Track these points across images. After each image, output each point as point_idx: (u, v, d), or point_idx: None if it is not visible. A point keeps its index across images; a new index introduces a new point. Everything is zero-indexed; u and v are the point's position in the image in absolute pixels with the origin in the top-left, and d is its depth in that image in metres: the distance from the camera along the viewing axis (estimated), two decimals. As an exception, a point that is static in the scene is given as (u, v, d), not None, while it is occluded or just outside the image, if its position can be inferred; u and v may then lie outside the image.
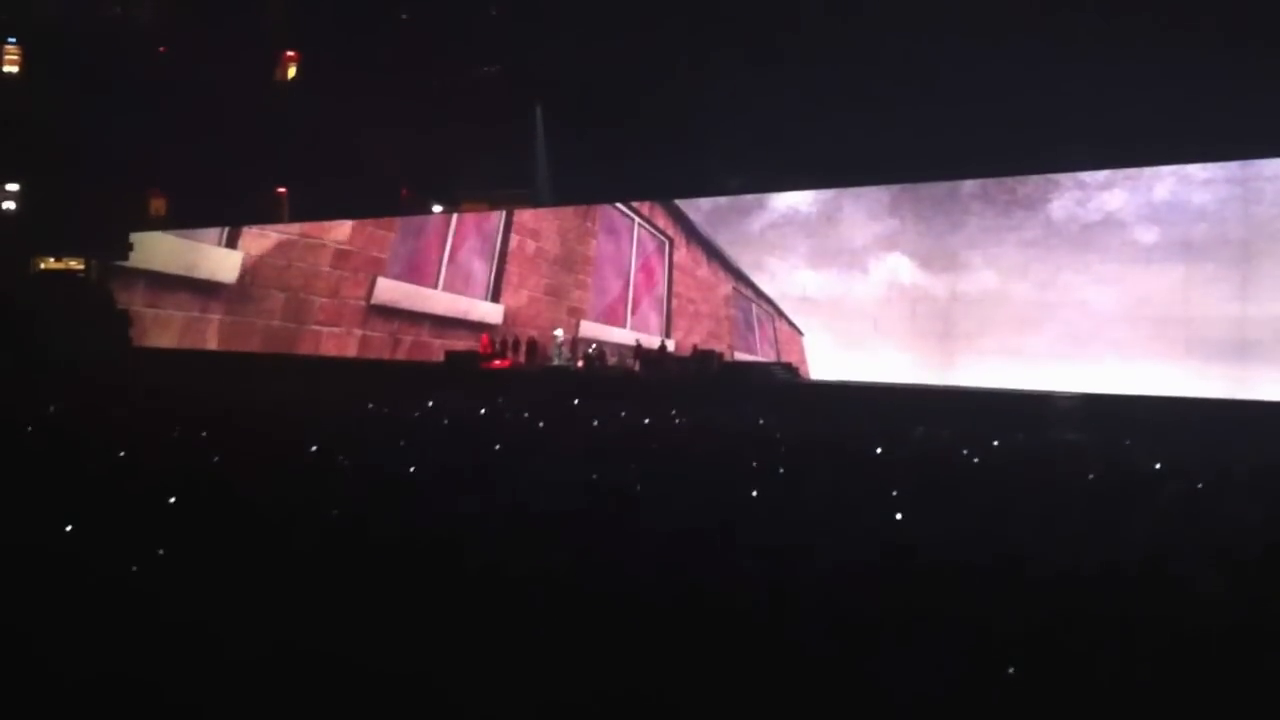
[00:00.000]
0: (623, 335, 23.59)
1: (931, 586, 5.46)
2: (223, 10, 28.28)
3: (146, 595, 5.38)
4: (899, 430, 13.62)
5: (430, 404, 16.51)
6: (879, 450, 11.29)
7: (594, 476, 8.76)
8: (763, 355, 21.95)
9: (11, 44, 32.49)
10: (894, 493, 8.25)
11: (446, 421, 14.30)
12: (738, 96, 21.74)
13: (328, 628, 4.81)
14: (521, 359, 23.97)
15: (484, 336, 25.14)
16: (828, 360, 21.18)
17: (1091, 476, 9.50)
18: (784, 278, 21.87)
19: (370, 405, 16.37)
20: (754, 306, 22.12)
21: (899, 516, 7.38)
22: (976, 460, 10.83)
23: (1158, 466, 10.18)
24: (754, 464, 9.93)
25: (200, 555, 5.98)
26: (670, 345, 23.07)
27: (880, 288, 20.69)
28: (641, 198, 23.54)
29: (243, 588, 5.35)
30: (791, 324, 21.72)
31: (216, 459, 9.61)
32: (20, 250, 32.31)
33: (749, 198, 22.64)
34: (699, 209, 23.15)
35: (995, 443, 12.24)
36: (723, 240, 22.62)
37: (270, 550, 6.11)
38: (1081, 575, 5.80)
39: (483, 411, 15.60)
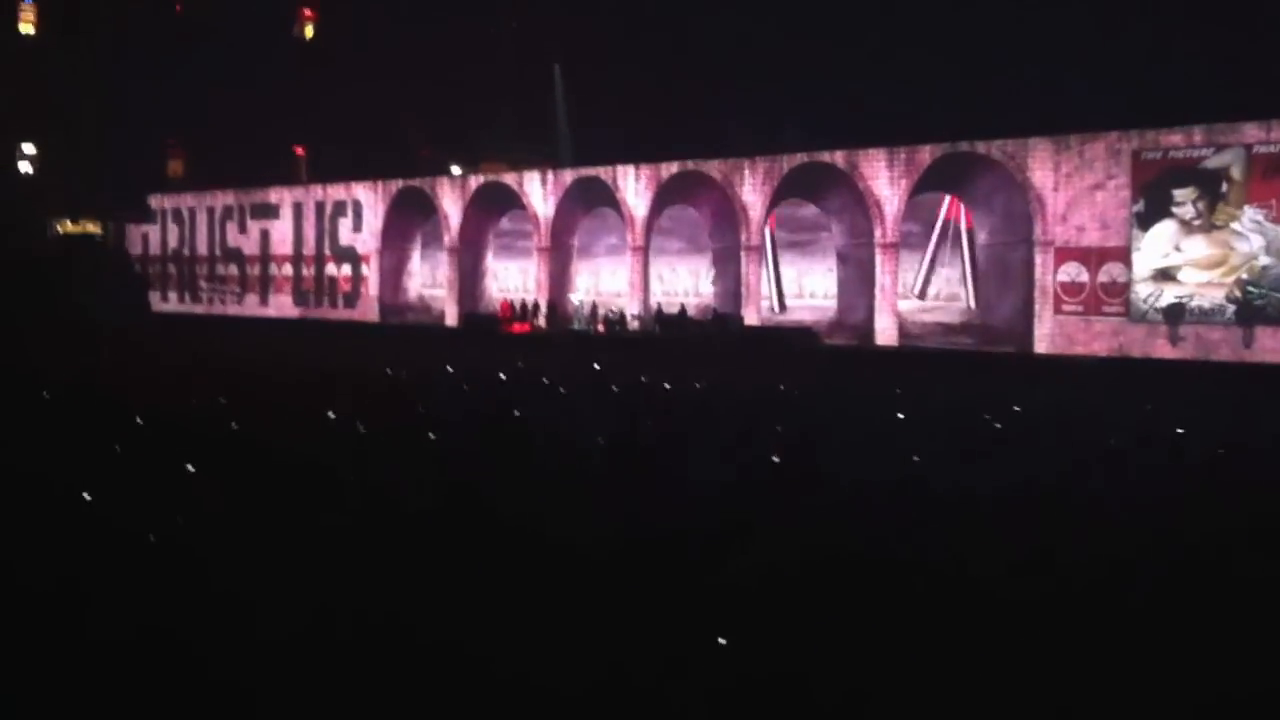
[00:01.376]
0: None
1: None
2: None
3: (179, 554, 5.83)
4: (920, 393, 13.96)
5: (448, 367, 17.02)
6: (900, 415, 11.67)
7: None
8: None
9: (27, 4, 33.38)
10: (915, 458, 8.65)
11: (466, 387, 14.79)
12: (763, 57, 22.23)
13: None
14: (542, 323, 24.64)
15: (503, 300, 25.78)
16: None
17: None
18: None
19: (389, 370, 16.80)
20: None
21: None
22: (999, 425, 11.10)
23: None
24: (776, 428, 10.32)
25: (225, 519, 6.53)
26: (690, 308, 23.55)
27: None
28: (663, 159, 23.89)
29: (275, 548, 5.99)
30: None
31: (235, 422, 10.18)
32: (39, 212, 33.25)
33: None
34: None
35: (1016, 408, 12.58)
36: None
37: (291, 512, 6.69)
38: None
39: (502, 376, 16.08)
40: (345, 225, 28.55)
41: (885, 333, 21.35)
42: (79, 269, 29.96)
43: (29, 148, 33.93)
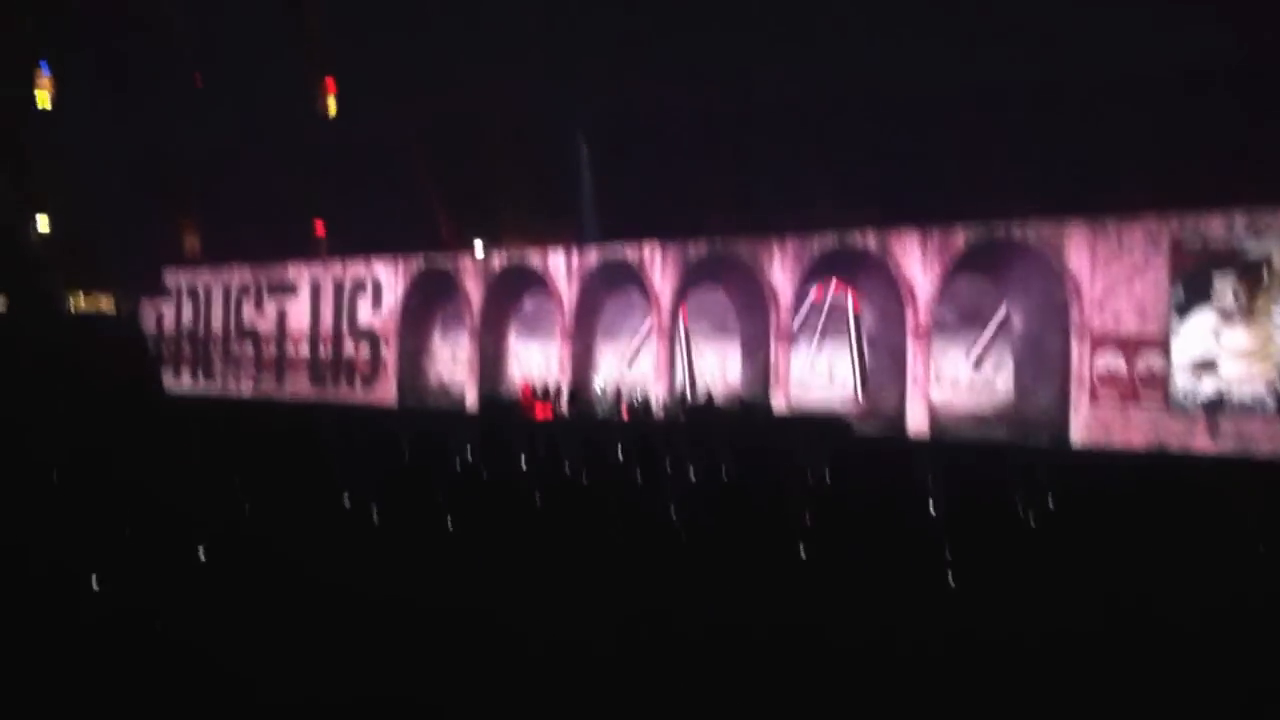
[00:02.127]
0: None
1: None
2: (261, 42, 29.37)
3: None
4: (954, 489, 13.88)
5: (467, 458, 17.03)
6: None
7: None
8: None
9: (45, 74, 33.89)
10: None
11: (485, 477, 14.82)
12: (787, 137, 22.40)
13: None
14: (564, 407, 24.68)
15: (525, 384, 25.85)
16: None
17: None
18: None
19: (406, 456, 16.86)
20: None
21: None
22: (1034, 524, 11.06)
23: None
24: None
25: (229, 610, 6.56)
26: (716, 395, 23.61)
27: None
28: (688, 236, 24.10)
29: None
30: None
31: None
32: (51, 286, 33.54)
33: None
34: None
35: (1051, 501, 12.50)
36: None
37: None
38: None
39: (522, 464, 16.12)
40: (364, 304, 28.82)
41: (916, 421, 21.37)
42: (90, 345, 30.17)
43: (42, 220, 34.27)
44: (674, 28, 23.16)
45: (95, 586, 6.50)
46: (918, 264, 21.22)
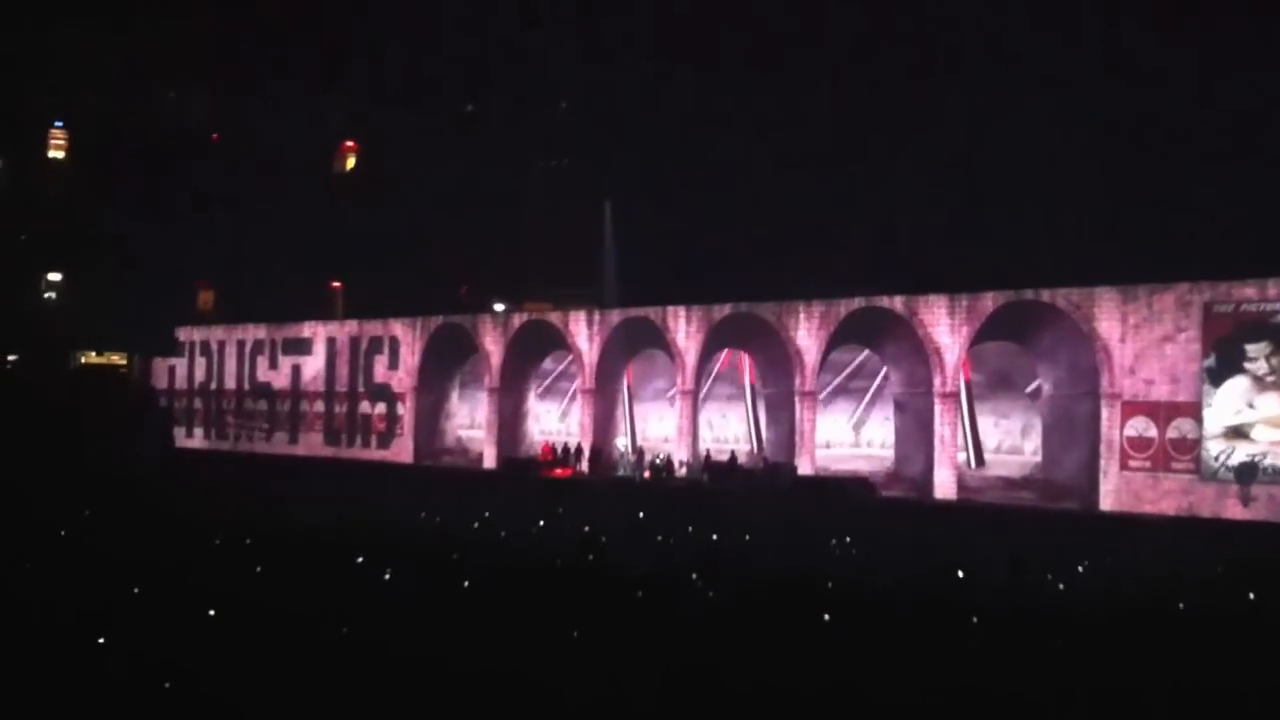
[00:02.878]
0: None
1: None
2: (279, 101, 29.89)
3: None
4: (985, 557, 13.77)
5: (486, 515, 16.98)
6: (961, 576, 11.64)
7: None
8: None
9: (58, 129, 34.38)
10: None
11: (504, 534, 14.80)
12: (817, 201, 22.83)
13: None
14: (584, 468, 24.76)
15: (544, 443, 25.99)
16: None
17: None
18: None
19: (422, 514, 16.74)
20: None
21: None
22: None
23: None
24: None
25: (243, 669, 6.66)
26: (740, 456, 23.70)
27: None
28: (713, 301, 24.37)
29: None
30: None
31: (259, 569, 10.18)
32: (62, 343, 33.74)
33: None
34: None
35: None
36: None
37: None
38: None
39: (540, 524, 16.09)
40: (381, 362, 29.01)
41: (944, 486, 21.47)
42: (99, 403, 30.27)
43: (54, 277, 34.56)
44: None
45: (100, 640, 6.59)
46: (945, 330, 21.49)
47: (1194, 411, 19.16)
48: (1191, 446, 19.17)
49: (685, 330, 24.18)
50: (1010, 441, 22.70)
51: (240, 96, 31.48)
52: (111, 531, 12.75)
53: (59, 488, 18.62)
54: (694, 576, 10.44)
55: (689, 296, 24.21)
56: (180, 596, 8.51)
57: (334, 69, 29.48)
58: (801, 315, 22.82)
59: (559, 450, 25.14)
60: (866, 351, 23.72)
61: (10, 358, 33.54)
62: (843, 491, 21.51)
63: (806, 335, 22.70)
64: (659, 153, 24.82)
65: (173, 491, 19.37)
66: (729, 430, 25.31)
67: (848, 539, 14.89)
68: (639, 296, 25.30)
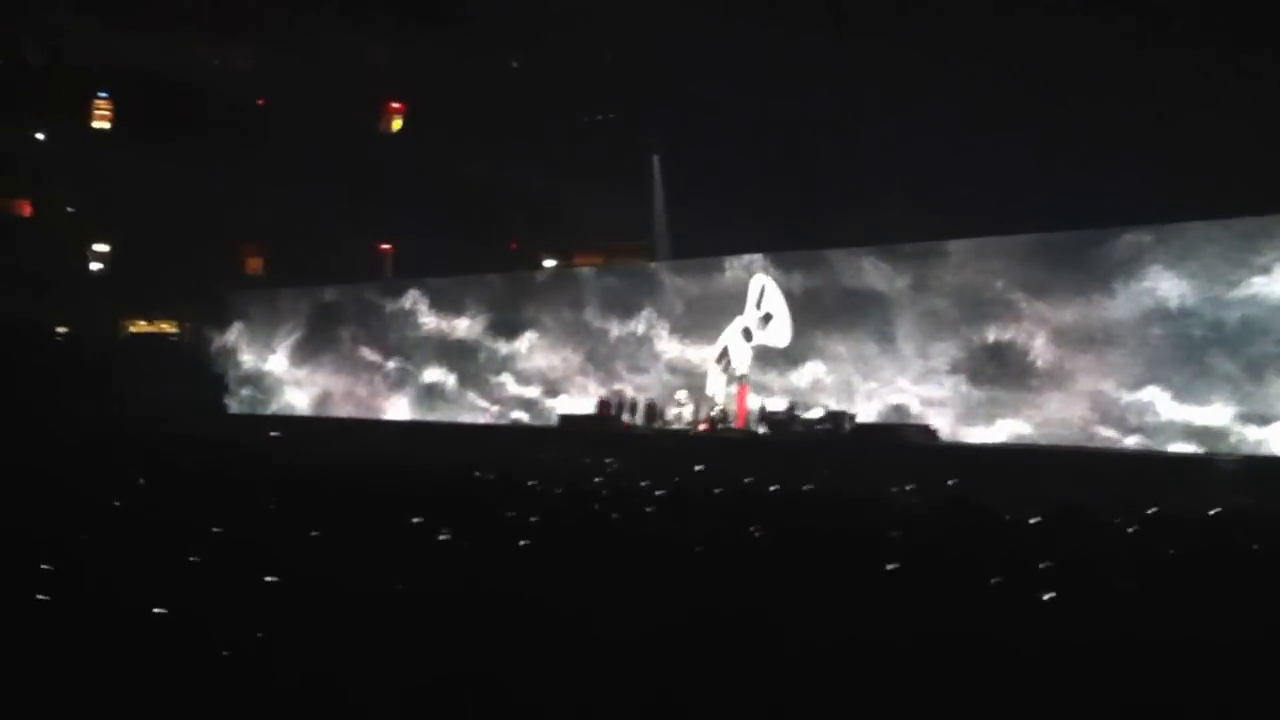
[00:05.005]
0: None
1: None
2: (324, 60, 29.82)
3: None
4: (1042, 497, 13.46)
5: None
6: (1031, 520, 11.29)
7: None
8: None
9: (103, 98, 34.54)
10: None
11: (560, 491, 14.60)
12: (864, 147, 22.47)
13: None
14: (639, 421, 24.57)
15: (599, 397, 25.84)
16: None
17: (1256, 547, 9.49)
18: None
19: (477, 473, 16.60)
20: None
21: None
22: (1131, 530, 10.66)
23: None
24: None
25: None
26: (800, 407, 23.34)
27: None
28: (763, 249, 24.30)
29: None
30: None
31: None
32: (111, 312, 34.12)
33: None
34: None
35: (1152, 510, 12.06)
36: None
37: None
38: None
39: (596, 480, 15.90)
40: (439, 322, 29.42)
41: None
42: (150, 368, 30.63)
43: (101, 247, 34.80)
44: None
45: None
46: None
47: None
48: None
49: (739, 279, 24.15)
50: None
51: (284, 58, 31.33)
52: (167, 499, 12.65)
53: (108, 456, 18.73)
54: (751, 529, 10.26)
55: (740, 247, 24.21)
56: (238, 563, 8.34)
57: (377, 28, 29.30)
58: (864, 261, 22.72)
59: (615, 403, 25.02)
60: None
61: (60, 330, 33.95)
62: (905, 439, 21.30)
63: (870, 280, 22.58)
64: (702, 102, 24.50)
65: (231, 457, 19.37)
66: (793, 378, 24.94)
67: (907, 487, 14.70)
68: (688, 248, 25.41)
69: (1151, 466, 18.12)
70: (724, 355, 24.37)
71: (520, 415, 28.22)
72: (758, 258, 24.32)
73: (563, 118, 27.13)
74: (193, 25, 30.71)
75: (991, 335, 21.44)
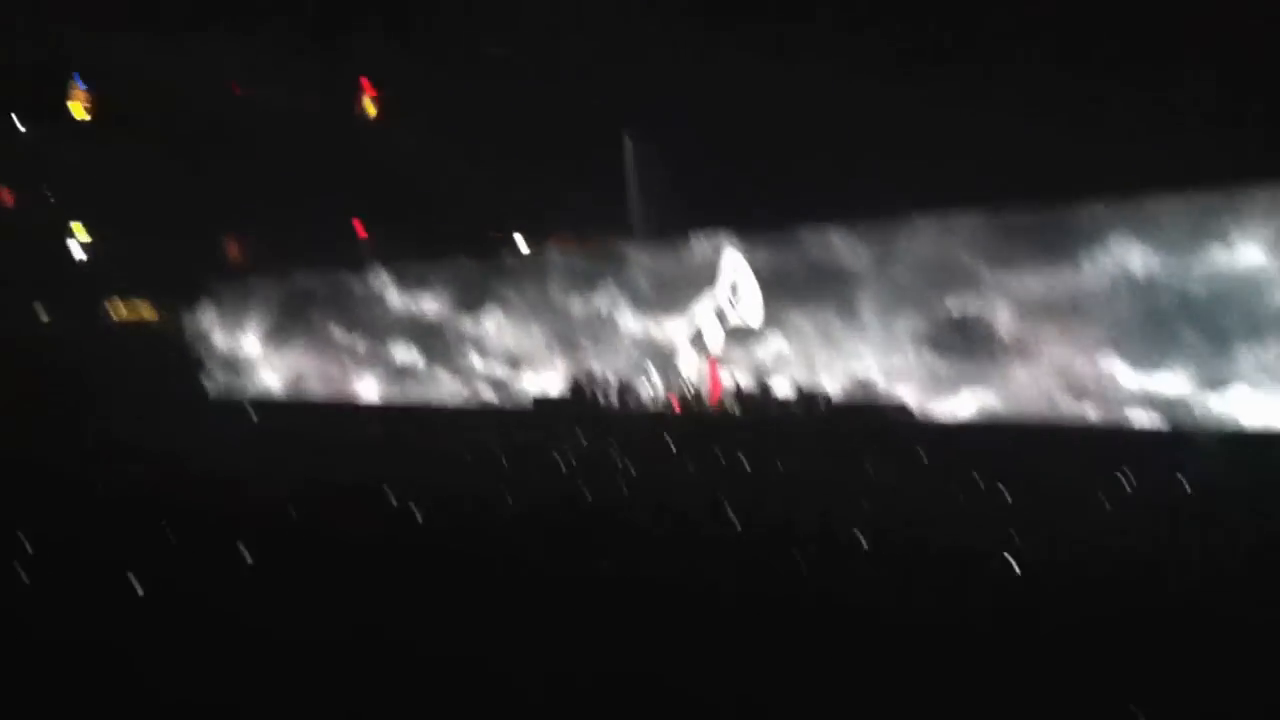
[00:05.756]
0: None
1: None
2: (298, 46, 29.81)
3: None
4: (1023, 477, 13.72)
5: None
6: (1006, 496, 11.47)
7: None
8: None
9: (80, 87, 34.55)
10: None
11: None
12: (841, 123, 22.46)
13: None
14: (613, 402, 24.71)
15: (573, 379, 26.00)
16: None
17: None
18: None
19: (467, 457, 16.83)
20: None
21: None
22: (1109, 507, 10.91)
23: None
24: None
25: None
26: (773, 385, 23.57)
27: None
28: (743, 230, 24.37)
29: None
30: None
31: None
32: (91, 296, 34.23)
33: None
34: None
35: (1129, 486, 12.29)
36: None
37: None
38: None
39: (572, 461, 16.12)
40: (412, 302, 29.61)
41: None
42: (130, 352, 30.81)
43: (80, 230, 34.93)
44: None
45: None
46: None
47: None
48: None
49: (716, 260, 24.36)
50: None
51: (259, 44, 31.25)
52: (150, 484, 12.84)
53: (92, 446, 18.92)
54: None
55: (718, 228, 24.34)
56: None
57: (351, 13, 29.28)
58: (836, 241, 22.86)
59: (585, 384, 25.24)
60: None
61: (43, 318, 34.08)
62: (881, 416, 21.48)
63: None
64: (682, 81, 24.51)
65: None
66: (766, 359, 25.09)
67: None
68: (667, 230, 25.39)
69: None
70: (698, 335, 24.56)
71: (489, 395, 28.41)
72: (725, 234, 24.44)
73: (536, 101, 27.12)
74: (170, 12, 30.61)
75: (956, 309, 21.62)
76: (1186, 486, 12.73)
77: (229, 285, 34.00)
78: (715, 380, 23.72)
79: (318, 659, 5.68)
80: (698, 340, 24.58)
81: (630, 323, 25.79)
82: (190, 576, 7.32)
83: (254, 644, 5.85)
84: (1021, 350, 20.96)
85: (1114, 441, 18.55)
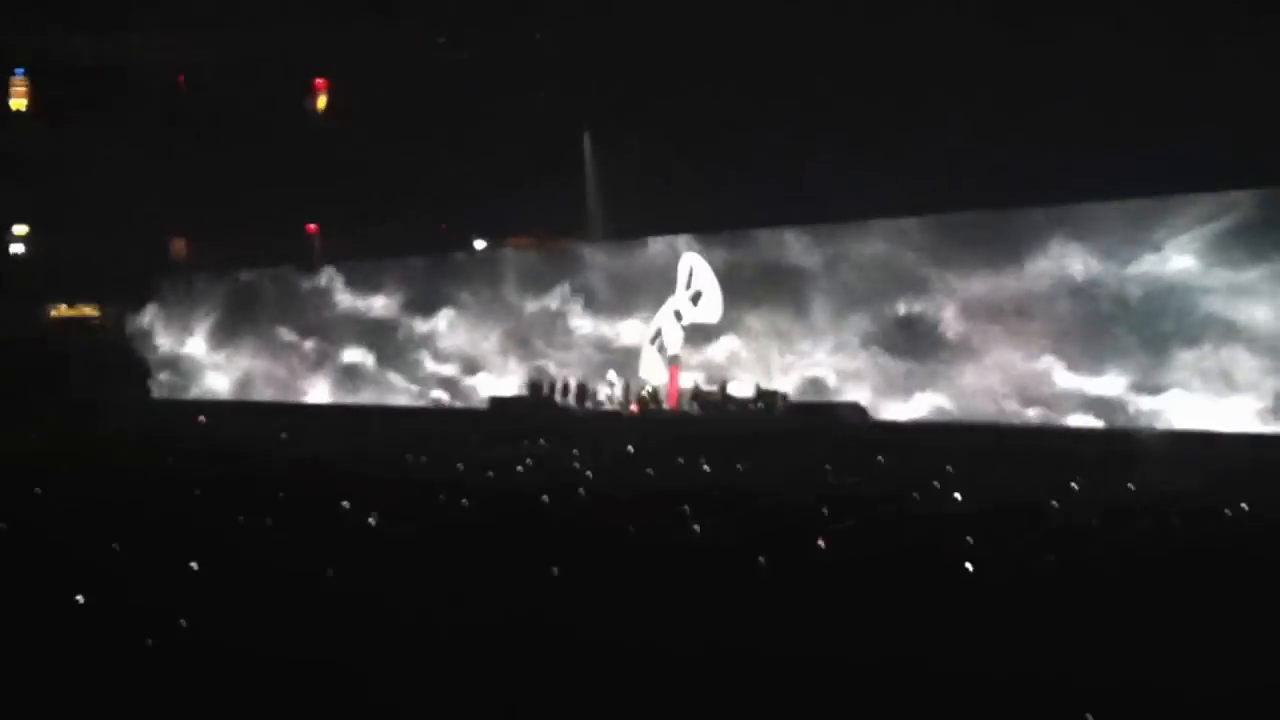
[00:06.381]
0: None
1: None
2: (247, 37, 29.63)
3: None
4: (975, 477, 13.99)
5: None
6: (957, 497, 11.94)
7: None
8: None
9: (19, 77, 33.98)
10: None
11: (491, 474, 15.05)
12: (796, 127, 23.09)
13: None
14: (571, 402, 24.98)
15: (529, 378, 26.37)
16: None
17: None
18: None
19: (409, 457, 16.88)
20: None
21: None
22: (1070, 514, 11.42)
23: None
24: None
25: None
26: (732, 386, 23.86)
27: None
28: (697, 230, 24.82)
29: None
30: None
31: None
32: (32, 296, 33.84)
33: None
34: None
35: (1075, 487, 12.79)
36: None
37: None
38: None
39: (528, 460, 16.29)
40: (364, 302, 29.96)
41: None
42: (72, 354, 30.63)
43: (21, 229, 34.46)
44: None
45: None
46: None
47: None
48: None
49: (674, 260, 24.99)
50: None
51: (206, 36, 30.93)
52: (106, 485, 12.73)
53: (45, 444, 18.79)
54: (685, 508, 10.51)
55: (673, 228, 24.86)
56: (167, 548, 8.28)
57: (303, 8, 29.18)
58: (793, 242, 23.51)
59: (545, 384, 25.52)
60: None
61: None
62: (837, 418, 21.92)
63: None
64: (635, 83, 24.96)
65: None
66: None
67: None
68: (623, 230, 25.94)
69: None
70: (657, 336, 25.08)
71: (440, 395, 28.67)
72: (683, 237, 24.92)
73: (493, 97, 27.39)
74: (113, 3, 30.30)
75: (904, 309, 22.24)
76: (1128, 485, 13.37)
77: (174, 284, 33.83)
78: (675, 382, 24.27)
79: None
80: (657, 341, 25.04)
81: (588, 323, 26.12)
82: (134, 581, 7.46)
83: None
84: (969, 351, 21.87)
85: (1058, 440, 19.37)
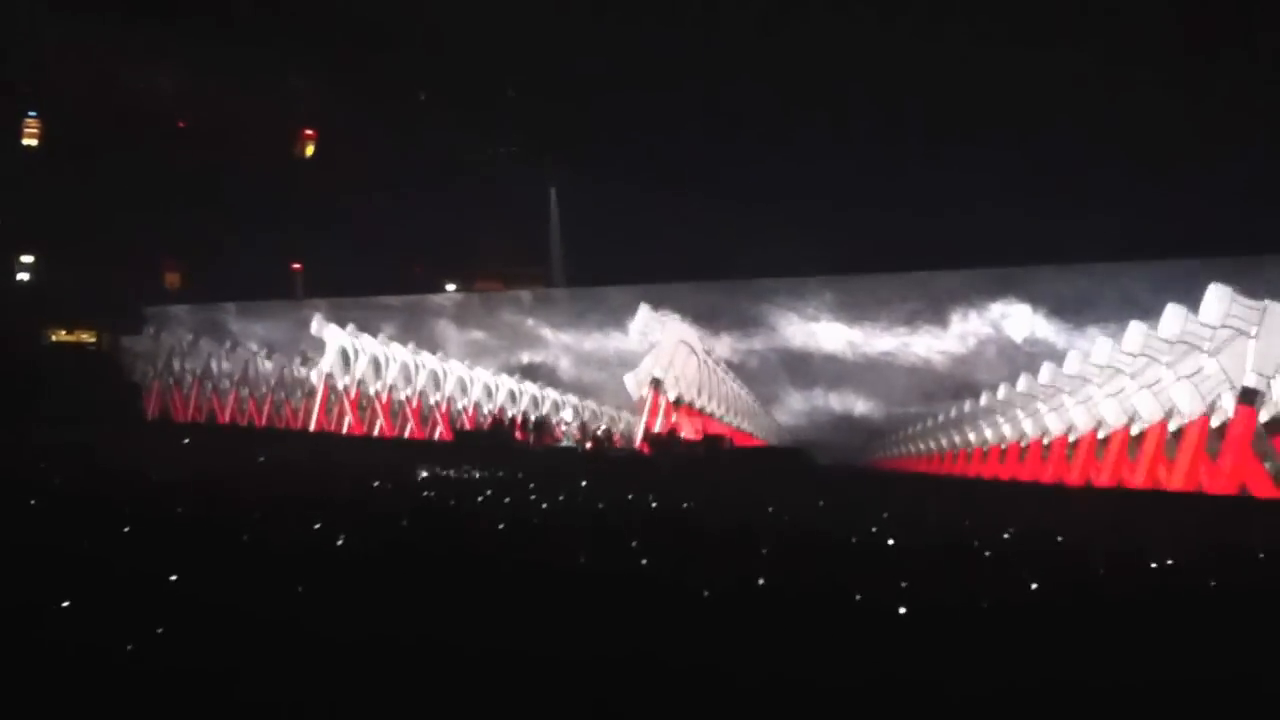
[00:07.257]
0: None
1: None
2: (241, 87, 30.82)
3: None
4: (912, 518, 14.06)
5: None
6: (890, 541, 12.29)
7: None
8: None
9: (31, 117, 35.34)
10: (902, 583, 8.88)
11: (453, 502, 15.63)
12: (758, 181, 23.86)
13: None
14: (529, 438, 25.79)
15: (491, 417, 27.14)
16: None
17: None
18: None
19: (375, 484, 17.49)
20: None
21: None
22: (989, 553, 11.05)
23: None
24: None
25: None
26: (681, 429, 24.64)
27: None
28: (656, 279, 25.50)
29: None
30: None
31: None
32: (34, 322, 35.00)
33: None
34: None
35: (1006, 534, 13.08)
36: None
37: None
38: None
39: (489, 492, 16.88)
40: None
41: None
42: (65, 378, 31.60)
43: (27, 258, 35.69)
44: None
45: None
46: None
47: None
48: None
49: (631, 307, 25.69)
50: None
51: (206, 81, 32.08)
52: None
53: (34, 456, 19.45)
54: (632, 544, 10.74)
55: (634, 277, 25.59)
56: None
57: (296, 58, 30.28)
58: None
59: (506, 421, 26.30)
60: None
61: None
62: (781, 459, 22.63)
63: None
64: (605, 134, 25.78)
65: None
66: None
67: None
68: (585, 277, 26.82)
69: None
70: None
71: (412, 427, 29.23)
72: (636, 288, 25.71)
73: (467, 149, 28.36)
74: (119, 50, 31.49)
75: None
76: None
77: (164, 312, 34.92)
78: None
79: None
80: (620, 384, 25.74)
81: (551, 364, 26.99)
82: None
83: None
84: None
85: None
